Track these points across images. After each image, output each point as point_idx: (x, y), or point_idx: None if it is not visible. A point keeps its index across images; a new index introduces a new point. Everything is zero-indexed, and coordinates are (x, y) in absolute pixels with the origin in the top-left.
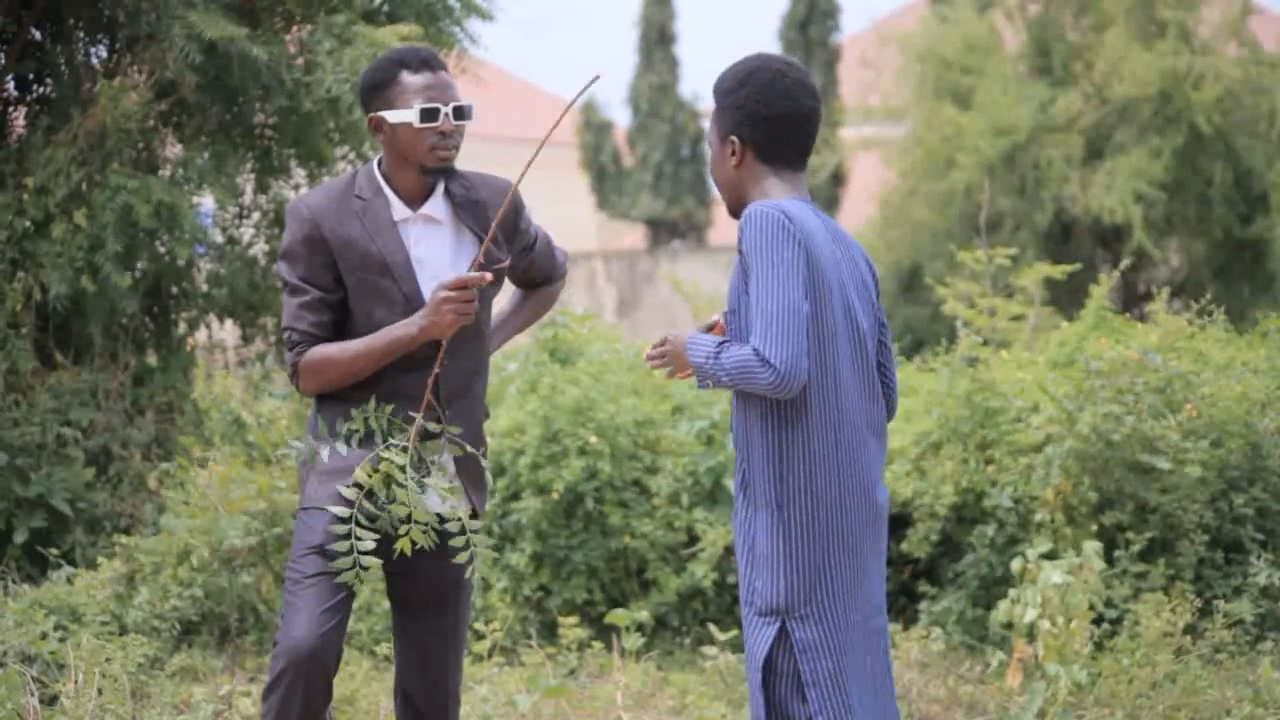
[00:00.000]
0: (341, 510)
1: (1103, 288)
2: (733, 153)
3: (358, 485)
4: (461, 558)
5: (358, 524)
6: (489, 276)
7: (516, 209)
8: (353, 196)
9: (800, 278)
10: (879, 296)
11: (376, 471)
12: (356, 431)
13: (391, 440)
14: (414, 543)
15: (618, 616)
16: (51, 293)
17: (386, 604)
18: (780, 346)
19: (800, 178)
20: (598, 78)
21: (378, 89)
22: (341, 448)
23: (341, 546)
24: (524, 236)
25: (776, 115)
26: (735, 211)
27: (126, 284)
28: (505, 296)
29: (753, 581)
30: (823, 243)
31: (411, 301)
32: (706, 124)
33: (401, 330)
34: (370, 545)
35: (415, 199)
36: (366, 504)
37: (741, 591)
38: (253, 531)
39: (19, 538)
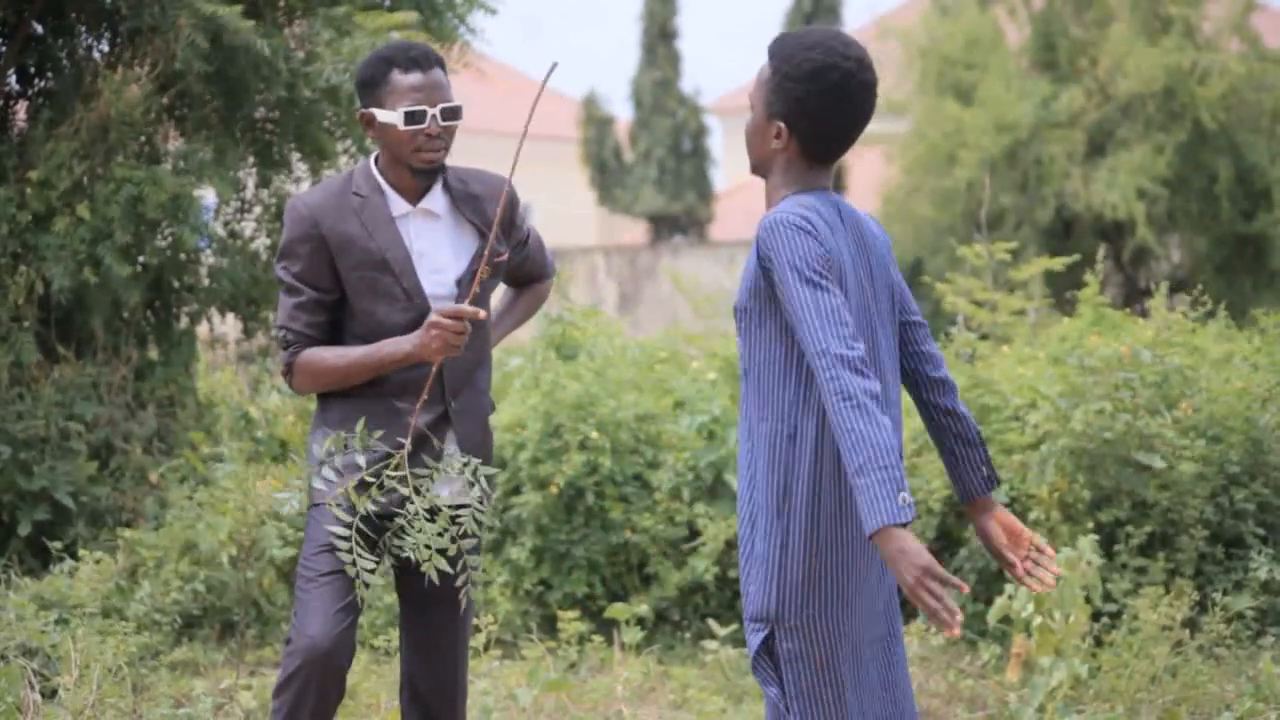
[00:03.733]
0: (342, 530)
1: (1093, 285)
2: (777, 135)
3: (351, 511)
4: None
5: (359, 542)
6: (482, 313)
7: (513, 205)
8: (351, 194)
9: (826, 271)
10: (898, 273)
11: (378, 482)
12: (351, 442)
13: (387, 471)
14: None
15: (618, 611)
16: (54, 286)
17: (386, 598)
18: (832, 334)
19: (829, 169)
20: (556, 65)
21: (368, 86)
22: (330, 474)
23: (347, 559)
24: (520, 232)
25: (836, 120)
26: (757, 170)
27: (128, 274)
28: (497, 295)
29: (747, 585)
30: (842, 246)
31: (412, 297)
32: (709, 118)
33: (395, 347)
34: (371, 566)
35: (413, 194)
36: (370, 506)
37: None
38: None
39: (22, 530)
